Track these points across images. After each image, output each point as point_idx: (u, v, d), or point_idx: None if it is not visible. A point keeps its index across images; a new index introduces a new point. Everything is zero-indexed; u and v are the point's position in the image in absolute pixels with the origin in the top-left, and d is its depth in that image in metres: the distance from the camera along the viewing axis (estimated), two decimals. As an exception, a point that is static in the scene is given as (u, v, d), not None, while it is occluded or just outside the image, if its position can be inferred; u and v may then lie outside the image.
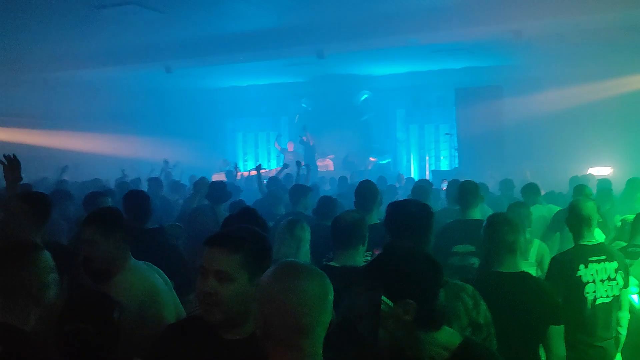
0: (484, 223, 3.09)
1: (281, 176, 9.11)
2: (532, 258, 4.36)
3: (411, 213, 2.54)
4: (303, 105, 17.30)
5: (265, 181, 8.52)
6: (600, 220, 3.81)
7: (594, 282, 3.49)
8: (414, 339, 1.74)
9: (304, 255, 3.60)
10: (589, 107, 12.58)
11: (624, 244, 4.38)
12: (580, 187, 5.85)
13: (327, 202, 5.00)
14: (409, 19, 9.32)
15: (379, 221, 4.27)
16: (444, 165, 15.75)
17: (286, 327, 1.49)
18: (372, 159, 15.95)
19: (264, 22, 9.92)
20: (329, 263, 3.07)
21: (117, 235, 2.70)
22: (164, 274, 2.93)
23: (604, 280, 3.52)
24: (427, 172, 15.62)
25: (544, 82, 12.96)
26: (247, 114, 18.36)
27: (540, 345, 2.92)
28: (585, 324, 3.48)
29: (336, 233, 3.10)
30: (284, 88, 16.36)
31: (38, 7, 8.60)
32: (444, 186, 6.00)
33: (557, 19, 8.86)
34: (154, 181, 8.16)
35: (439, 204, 6.94)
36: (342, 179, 9.83)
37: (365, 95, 16.54)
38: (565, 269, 3.49)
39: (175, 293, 2.94)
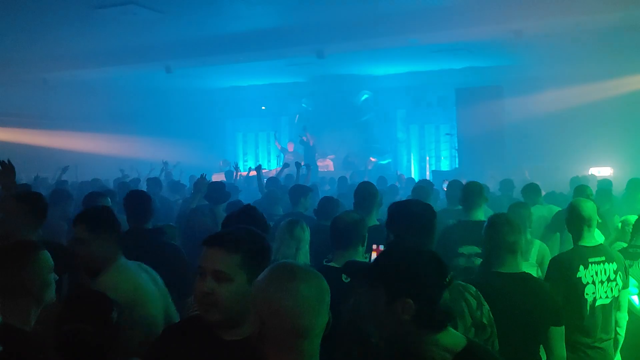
0: (485, 223, 3.08)
1: (282, 176, 9.10)
2: (533, 259, 4.35)
3: (414, 213, 2.52)
4: (303, 105, 17.32)
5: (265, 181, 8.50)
6: (600, 220, 3.80)
7: (593, 283, 3.48)
8: (416, 339, 1.72)
9: (304, 255, 3.59)
10: (590, 107, 12.58)
11: (625, 244, 4.37)
12: (580, 188, 5.84)
13: (328, 203, 4.99)
14: (409, 19, 9.32)
15: (378, 223, 4.27)
16: (445, 166, 15.76)
17: (282, 329, 1.48)
18: (372, 159, 15.95)
19: (264, 22, 9.91)
20: (329, 264, 3.06)
21: (107, 234, 2.71)
22: (157, 275, 2.92)
23: (604, 281, 3.51)
24: (428, 173, 15.62)
25: (545, 82, 12.96)
26: (247, 114, 18.37)
27: (541, 346, 2.91)
28: (585, 325, 3.47)
29: (335, 233, 3.10)
30: (284, 88, 16.36)
31: (38, 7, 8.59)
32: (445, 186, 5.98)
33: (558, 19, 8.85)
34: (153, 181, 8.15)
35: (438, 204, 6.93)
36: (342, 179, 9.82)
37: (366, 96, 16.55)
38: (564, 270, 3.48)
39: (167, 294, 2.93)
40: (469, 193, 4.34)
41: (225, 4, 8.85)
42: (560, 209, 5.72)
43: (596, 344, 3.49)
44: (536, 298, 2.84)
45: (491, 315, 2.35)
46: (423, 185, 6.58)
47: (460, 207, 5.49)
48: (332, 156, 16.43)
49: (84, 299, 2.18)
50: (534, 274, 3.65)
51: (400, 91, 15.82)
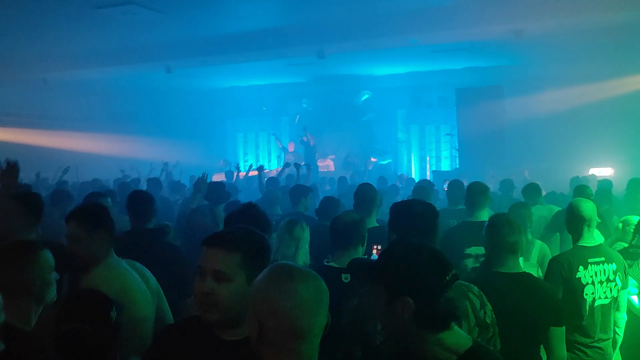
0: (486, 223, 3.08)
1: (282, 176, 9.09)
2: (534, 259, 4.35)
3: (416, 213, 2.52)
4: (304, 105, 17.32)
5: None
6: (599, 220, 3.79)
7: (592, 283, 3.49)
8: (417, 339, 1.71)
9: (303, 255, 3.58)
10: (590, 108, 12.58)
11: (626, 244, 4.36)
12: (581, 188, 5.83)
13: (329, 203, 4.98)
14: (409, 19, 9.32)
15: (378, 225, 4.26)
16: (445, 166, 15.75)
17: (280, 330, 1.47)
18: (372, 159, 15.95)
19: (264, 22, 9.91)
20: (329, 264, 3.05)
21: (99, 232, 2.69)
22: (150, 274, 2.90)
23: (603, 281, 3.52)
24: (428, 173, 15.62)
25: (545, 82, 12.96)
26: (248, 114, 18.36)
27: (542, 346, 2.91)
28: (584, 325, 3.48)
29: (335, 233, 3.09)
30: (285, 88, 16.36)
31: (38, 7, 8.59)
32: (446, 187, 5.98)
33: (558, 19, 8.85)
34: (152, 181, 8.15)
35: (438, 204, 6.92)
36: (342, 179, 9.81)
37: (366, 96, 16.54)
38: (564, 271, 3.48)
39: (161, 294, 2.91)
40: (473, 193, 4.34)
41: (225, 4, 8.85)
42: (560, 209, 5.71)
43: (595, 344, 3.50)
44: (537, 298, 2.84)
45: (493, 315, 2.35)
46: (423, 185, 6.58)
47: (461, 207, 5.51)
48: (332, 156, 16.43)
49: (83, 298, 2.18)
50: (535, 274, 3.65)
51: (401, 91, 15.82)
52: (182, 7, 8.84)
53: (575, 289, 3.46)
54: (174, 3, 8.63)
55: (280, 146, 16.32)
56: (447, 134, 14.97)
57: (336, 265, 3.00)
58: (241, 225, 2.01)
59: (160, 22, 9.52)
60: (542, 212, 5.91)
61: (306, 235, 3.64)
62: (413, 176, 14.29)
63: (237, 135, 19.66)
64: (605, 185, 7.74)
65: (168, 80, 13.91)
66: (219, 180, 7.72)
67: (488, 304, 2.36)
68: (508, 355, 2.36)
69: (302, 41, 10.40)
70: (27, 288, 2.26)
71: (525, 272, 3.02)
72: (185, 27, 10.07)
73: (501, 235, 2.91)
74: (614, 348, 3.68)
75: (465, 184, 5.96)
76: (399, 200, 5.90)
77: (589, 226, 3.60)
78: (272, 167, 16.09)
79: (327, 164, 15.98)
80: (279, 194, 6.49)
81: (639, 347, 3.93)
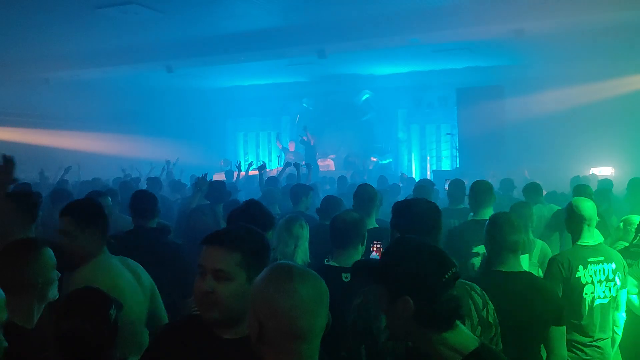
0: (486, 222, 3.08)
1: (283, 176, 9.09)
2: (535, 259, 4.34)
3: (419, 211, 2.51)
4: (304, 105, 17.32)
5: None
6: (598, 219, 3.79)
7: (592, 283, 3.49)
8: (421, 338, 1.70)
9: (303, 253, 3.57)
10: (591, 107, 12.57)
11: (627, 244, 4.36)
12: (581, 187, 5.82)
13: (330, 202, 4.97)
14: (410, 19, 9.32)
15: (377, 225, 4.25)
16: (445, 166, 15.74)
17: (280, 330, 1.46)
18: (373, 158, 15.95)
19: (265, 22, 9.91)
20: (329, 263, 3.05)
21: (91, 229, 2.69)
22: (143, 273, 2.87)
23: (602, 281, 3.51)
24: (429, 172, 15.61)
25: (546, 82, 12.95)
26: (248, 113, 18.36)
27: (542, 345, 2.91)
28: (583, 325, 3.48)
29: (335, 233, 3.08)
30: (285, 88, 16.37)
31: (38, 7, 8.59)
32: (447, 186, 5.97)
33: (558, 18, 8.84)
34: (152, 181, 8.15)
35: (438, 203, 6.91)
36: (342, 178, 9.79)
37: (367, 95, 16.54)
38: (564, 270, 3.48)
39: (154, 293, 2.89)
40: (478, 192, 4.34)
41: (226, 4, 8.85)
42: (560, 208, 5.70)
43: (594, 343, 3.50)
44: (537, 297, 2.83)
45: (496, 315, 2.35)
46: (424, 185, 6.58)
47: (462, 206, 5.52)
48: (333, 156, 16.44)
49: (83, 297, 2.18)
50: (536, 274, 3.65)
51: (401, 91, 15.82)
52: (182, 6, 8.84)
53: (574, 289, 3.46)
54: (175, 3, 8.63)
55: (280, 147, 16.31)
56: (448, 134, 14.96)
57: (336, 265, 3.00)
58: (240, 223, 2.01)
59: (161, 21, 9.52)
60: (543, 211, 5.90)
61: (305, 233, 3.63)
62: (413, 176, 14.28)
63: (237, 134, 19.66)
64: (604, 185, 7.72)
65: (169, 80, 13.92)
66: (220, 179, 7.72)
67: (490, 303, 2.36)
68: (509, 354, 2.35)
69: (302, 41, 10.40)
70: (29, 286, 2.26)
71: (526, 271, 3.02)
72: (186, 26, 10.08)
73: (502, 234, 2.90)
74: (613, 347, 3.68)
75: (466, 183, 5.98)
76: (400, 199, 5.89)
77: (589, 225, 3.60)
78: (273, 166, 16.08)
79: (327, 164, 15.99)
80: (277, 194, 6.49)
81: (638, 347, 3.92)
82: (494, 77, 13.28)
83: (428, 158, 16.66)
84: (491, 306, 2.35)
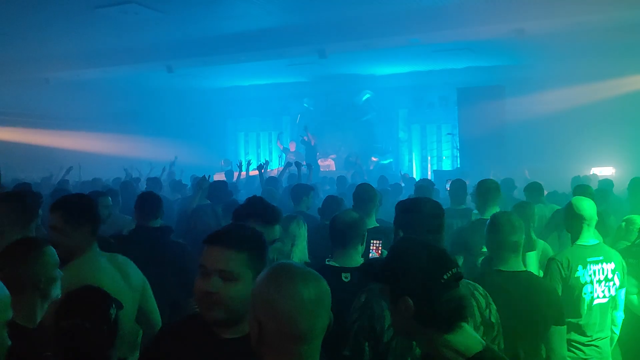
0: (487, 222, 3.08)
1: (284, 176, 9.08)
2: (537, 258, 4.33)
3: (423, 211, 2.50)
4: (305, 105, 17.32)
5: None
6: (597, 219, 3.78)
7: (591, 282, 3.48)
8: (423, 338, 1.69)
9: (300, 252, 3.56)
10: (592, 107, 12.56)
11: (628, 243, 4.35)
12: (582, 188, 5.80)
13: (332, 202, 4.96)
14: (410, 19, 9.32)
15: (378, 225, 4.24)
16: (446, 165, 15.73)
17: (280, 332, 1.44)
18: (374, 158, 15.95)
19: (265, 22, 9.91)
20: (329, 263, 3.04)
21: (80, 225, 2.67)
22: (135, 271, 2.83)
23: (602, 281, 3.51)
24: (429, 172, 15.60)
25: (547, 81, 12.94)
26: (249, 113, 18.36)
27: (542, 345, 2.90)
28: (582, 324, 3.47)
29: (334, 232, 3.07)
30: (286, 88, 16.37)
31: (38, 7, 8.59)
32: (448, 186, 5.97)
33: (559, 18, 8.84)
34: (152, 181, 8.15)
35: (439, 203, 6.90)
36: (341, 178, 9.77)
37: (367, 95, 16.54)
38: (563, 270, 3.47)
39: (145, 292, 2.85)
40: (485, 191, 4.33)
41: (226, 4, 8.85)
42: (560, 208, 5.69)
43: (593, 342, 3.49)
44: (538, 297, 2.83)
45: (498, 315, 2.34)
46: (425, 185, 6.57)
47: (464, 206, 5.52)
48: (333, 156, 16.44)
49: (83, 295, 2.17)
50: (537, 274, 3.64)
51: (402, 91, 15.82)
52: (183, 6, 8.84)
53: (573, 288, 3.45)
54: (175, 2, 8.63)
55: (281, 147, 16.32)
56: (448, 134, 14.94)
57: (336, 265, 2.99)
58: (240, 223, 2.00)
59: (161, 21, 9.52)
60: (544, 211, 5.88)
61: (302, 232, 3.61)
62: (414, 176, 14.28)
63: (238, 135, 19.66)
64: (604, 185, 7.71)
65: (169, 80, 13.92)
66: (220, 179, 7.71)
67: (493, 303, 2.35)
68: (509, 354, 2.35)
69: (303, 41, 10.40)
70: (31, 285, 2.25)
71: (526, 270, 3.02)
72: (187, 26, 10.08)
73: (502, 234, 2.90)
74: (611, 345, 3.67)
75: (467, 183, 5.97)
76: (402, 199, 5.88)
77: (588, 225, 3.59)
78: (274, 166, 16.08)
79: (328, 164, 15.99)
80: (277, 194, 6.48)
81: (638, 347, 3.91)
82: (495, 77, 13.27)
83: (429, 158, 16.66)
84: (494, 306, 2.34)
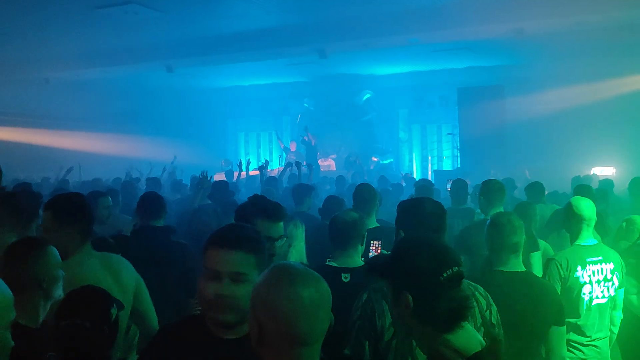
0: (487, 222, 3.07)
1: (284, 177, 9.07)
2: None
3: (425, 211, 2.50)
4: (305, 105, 17.31)
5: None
6: (596, 219, 3.78)
7: (590, 283, 3.48)
8: (423, 336, 1.69)
9: (298, 253, 3.55)
10: (592, 107, 12.56)
11: (630, 243, 4.34)
12: (582, 188, 5.79)
13: (333, 202, 4.96)
14: (410, 19, 9.32)
15: (378, 224, 4.24)
16: (447, 165, 15.73)
17: (279, 333, 1.43)
18: (374, 158, 15.95)
19: (265, 22, 9.91)
20: (330, 263, 3.04)
21: (71, 224, 2.65)
22: (129, 272, 2.79)
23: (601, 281, 3.51)
24: (430, 172, 15.61)
25: (547, 81, 12.94)
26: (249, 113, 18.36)
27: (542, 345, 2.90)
28: (581, 325, 3.47)
29: (334, 232, 3.07)
30: (286, 88, 16.36)
31: (38, 7, 8.59)
32: (449, 186, 5.96)
33: (559, 18, 8.84)
34: (152, 181, 8.15)
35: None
36: (340, 178, 9.77)
37: (367, 95, 16.54)
38: (562, 270, 3.47)
39: (140, 293, 2.82)
40: (490, 191, 4.33)
41: (226, 3, 8.85)
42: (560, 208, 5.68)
43: (591, 342, 3.49)
44: (538, 297, 2.83)
45: (498, 315, 2.34)
46: (425, 185, 6.57)
47: (465, 206, 5.52)
48: (333, 156, 16.44)
49: (83, 295, 2.17)
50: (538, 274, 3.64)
51: (402, 91, 15.82)
52: (183, 6, 8.84)
53: (572, 288, 3.45)
54: (175, 2, 8.63)
55: (282, 146, 16.32)
56: (449, 134, 14.94)
57: (335, 265, 2.99)
58: (240, 223, 2.00)
59: (161, 21, 9.52)
60: (545, 211, 5.88)
61: (300, 233, 3.60)
62: (414, 176, 14.28)
63: (238, 134, 19.65)
64: (604, 185, 7.70)
65: (169, 80, 13.92)
66: (220, 179, 7.71)
67: (493, 304, 2.35)
68: (509, 354, 2.34)
69: (303, 41, 10.40)
70: (34, 284, 2.25)
71: (526, 271, 3.02)
72: (186, 26, 10.07)
73: (503, 234, 2.90)
74: (610, 345, 3.67)
75: (468, 183, 5.97)
76: (403, 199, 5.88)
77: (588, 225, 3.59)
78: (274, 166, 16.08)
79: (328, 164, 15.99)
80: (277, 193, 6.48)
81: (638, 347, 3.91)
82: (495, 77, 13.27)
83: (429, 158, 16.65)
84: (494, 307, 2.34)
